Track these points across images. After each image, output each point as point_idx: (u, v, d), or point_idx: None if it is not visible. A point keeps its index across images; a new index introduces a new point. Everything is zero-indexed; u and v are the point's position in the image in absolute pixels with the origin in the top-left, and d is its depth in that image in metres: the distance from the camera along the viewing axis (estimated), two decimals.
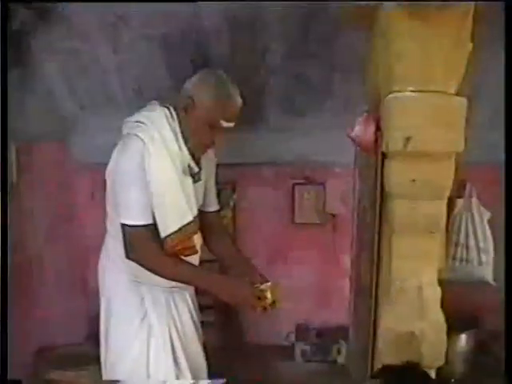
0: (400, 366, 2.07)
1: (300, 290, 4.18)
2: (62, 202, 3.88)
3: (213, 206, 2.64)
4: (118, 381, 2.46)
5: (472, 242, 3.73)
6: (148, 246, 2.22)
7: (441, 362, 2.31)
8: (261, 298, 2.26)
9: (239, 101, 2.27)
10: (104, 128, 3.65)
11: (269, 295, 2.26)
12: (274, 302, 2.28)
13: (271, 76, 3.46)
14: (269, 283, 2.32)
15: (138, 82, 3.45)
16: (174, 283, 2.35)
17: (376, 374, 1.93)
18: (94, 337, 2.73)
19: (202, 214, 2.55)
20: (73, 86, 3.53)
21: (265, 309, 2.27)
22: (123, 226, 2.20)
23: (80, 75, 3.44)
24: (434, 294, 2.33)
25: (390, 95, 2.18)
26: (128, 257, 2.22)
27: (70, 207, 3.99)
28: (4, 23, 2.64)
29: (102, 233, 2.54)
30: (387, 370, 1.93)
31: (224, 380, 2.49)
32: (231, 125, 2.27)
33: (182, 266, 2.30)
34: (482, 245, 3.74)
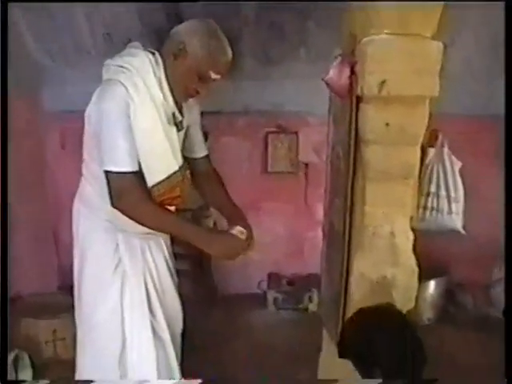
0: (376, 306, 2.09)
1: (272, 239, 4.21)
2: (33, 153, 3.81)
3: (201, 152, 2.60)
4: (92, 381, 2.45)
5: (443, 192, 3.76)
6: (134, 194, 2.15)
7: (411, 305, 2.34)
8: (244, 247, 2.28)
9: (230, 54, 2.21)
10: (74, 77, 3.59)
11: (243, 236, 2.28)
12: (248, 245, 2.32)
13: (245, 25, 3.40)
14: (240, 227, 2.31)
15: (108, 28, 3.36)
16: (149, 230, 2.30)
17: (352, 317, 1.95)
18: (66, 287, 2.71)
19: (190, 160, 2.53)
20: (44, 37, 3.43)
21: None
22: (107, 173, 2.12)
23: (50, 25, 3.34)
24: (406, 239, 2.35)
25: (366, 38, 2.14)
26: (113, 205, 2.15)
27: (40, 156, 3.93)
28: (4, 23, 2.55)
29: (75, 183, 2.49)
30: (363, 312, 1.95)
31: (200, 380, 2.54)
32: (219, 77, 2.21)
33: (167, 216, 2.25)
34: (452, 194, 3.77)
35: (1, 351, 2.44)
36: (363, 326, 1.91)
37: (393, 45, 2.11)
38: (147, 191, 2.21)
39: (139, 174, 2.17)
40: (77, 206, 2.48)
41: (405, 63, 2.10)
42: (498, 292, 4.20)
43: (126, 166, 2.12)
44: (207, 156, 2.65)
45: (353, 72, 2.24)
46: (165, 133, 2.22)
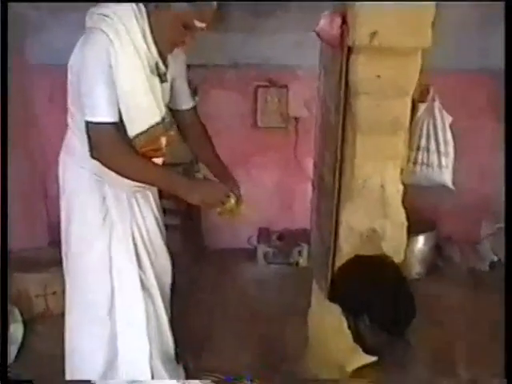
0: (372, 256, 2.10)
1: (262, 194, 4.20)
2: (20, 106, 3.75)
3: (187, 104, 2.57)
4: (89, 381, 2.46)
5: (433, 146, 3.74)
6: (114, 145, 2.13)
7: (400, 258, 2.35)
8: (224, 202, 2.27)
9: (214, 3, 2.16)
10: (60, 28, 3.52)
11: (231, 202, 2.28)
12: (234, 212, 2.33)
13: None
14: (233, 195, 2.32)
15: None
16: (135, 183, 2.30)
17: (347, 263, 1.96)
18: (56, 242, 2.70)
19: (177, 112, 2.52)
20: None
21: (220, 214, 2.31)
22: (88, 123, 2.10)
23: None
24: (396, 192, 2.35)
25: None
26: (92, 155, 2.14)
27: (26, 110, 3.87)
28: (4, 23, 2.47)
29: (63, 137, 2.46)
30: (359, 259, 1.96)
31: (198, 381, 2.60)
32: (204, 26, 2.16)
33: (148, 167, 2.24)
34: (442, 149, 3.76)
35: (1, 351, 2.44)
36: (358, 272, 1.93)
37: None
38: (126, 142, 2.19)
39: (119, 125, 2.15)
40: (63, 157, 2.45)
41: (397, 14, 2.06)
42: (486, 247, 4.25)
43: (105, 117, 2.09)
44: (194, 108, 2.62)
45: (344, 22, 2.20)
46: (148, 82, 2.19)
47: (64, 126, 2.40)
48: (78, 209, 2.40)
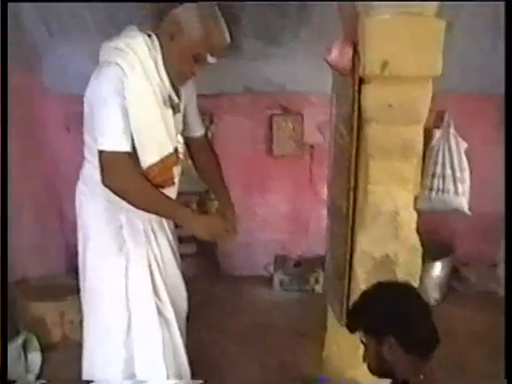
0: (394, 281, 2.11)
1: (278, 221, 4.23)
2: (35, 134, 3.81)
3: (198, 131, 2.63)
4: (92, 381, 2.49)
5: (449, 172, 3.77)
6: (125, 173, 2.18)
7: (415, 284, 2.35)
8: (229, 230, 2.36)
9: (227, 37, 2.22)
10: (75, 56, 3.58)
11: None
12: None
13: (246, 2, 3.38)
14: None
15: (110, 8, 3.35)
16: None
17: (370, 289, 1.96)
18: (73, 269, 2.73)
19: (188, 139, 2.56)
20: (43, 13, 3.41)
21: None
22: (100, 152, 2.15)
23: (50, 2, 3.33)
24: (409, 217, 2.36)
25: (368, 18, 2.14)
26: (104, 183, 2.19)
27: (42, 138, 3.93)
28: (4, 23, 2.54)
29: (78, 165, 2.50)
30: (381, 285, 1.96)
31: (201, 381, 2.59)
32: (215, 60, 2.22)
33: (155, 197, 2.27)
34: (458, 174, 3.78)
35: (1, 351, 2.46)
36: (383, 296, 1.92)
37: (394, 24, 2.11)
38: (136, 171, 2.23)
39: (131, 154, 2.19)
40: (80, 186, 2.50)
41: (407, 43, 2.11)
42: (504, 270, 4.21)
43: (117, 146, 2.14)
44: (204, 135, 2.68)
45: (355, 51, 2.23)
46: (160, 114, 2.24)
47: (80, 153, 2.44)
48: (95, 237, 2.44)
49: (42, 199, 3.87)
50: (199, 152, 2.65)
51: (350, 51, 2.25)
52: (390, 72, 2.12)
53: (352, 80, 2.28)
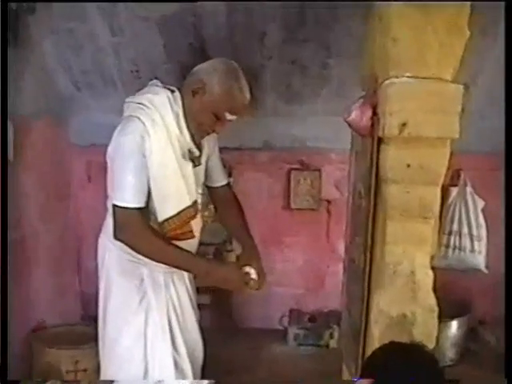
0: (408, 343, 2.09)
1: (294, 275, 4.24)
2: (58, 183, 3.88)
3: (221, 181, 2.65)
4: (112, 381, 2.49)
5: (465, 230, 3.77)
6: (136, 228, 2.22)
7: (431, 345, 2.33)
8: (247, 282, 2.31)
9: (248, 96, 2.26)
10: (101, 109, 3.68)
11: (253, 277, 2.31)
12: (260, 284, 2.35)
13: (267, 60, 3.46)
14: (252, 268, 2.34)
15: (135, 64, 3.45)
16: None
17: (380, 350, 1.94)
18: (88, 317, 2.75)
19: (211, 189, 2.61)
20: (70, 67, 3.52)
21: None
22: (114, 206, 2.21)
23: (77, 56, 3.43)
24: (426, 277, 2.35)
25: (387, 81, 2.19)
26: (115, 237, 2.24)
27: (65, 188, 4.00)
28: (4, 23, 2.64)
29: (97, 214, 2.55)
30: (392, 346, 1.95)
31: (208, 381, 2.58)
32: (234, 118, 2.27)
33: (168, 249, 2.28)
34: (475, 233, 3.78)
35: (1, 351, 2.48)
36: (393, 357, 1.90)
37: (413, 88, 2.15)
38: (149, 225, 2.26)
39: (144, 210, 2.23)
40: (102, 239, 2.54)
41: (425, 105, 2.14)
42: None
43: (130, 203, 2.19)
44: (227, 184, 2.70)
45: (374, 113, 2.28)
46: (179, 168, 2.27)
47: (100, 204, 2.48)
48: (116, 290, 2.46)
49: (60, 247, 3.91)
50: (222, 201, 2.67)
51: (369, 112, 2.30)
52: (409, 133, 2.15)
53: (371, 140, 2.32)
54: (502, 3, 2.33)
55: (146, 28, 3.19)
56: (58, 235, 3.90)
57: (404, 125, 2.13)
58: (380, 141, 2.28)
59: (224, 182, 2.68)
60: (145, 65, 3.45)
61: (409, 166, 2.21)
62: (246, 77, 2.28)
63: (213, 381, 2.63)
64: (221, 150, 2.68)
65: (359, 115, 2.31)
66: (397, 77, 2.17)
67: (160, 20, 3.13)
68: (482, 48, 3.09)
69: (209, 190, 2.64)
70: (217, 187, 2.65)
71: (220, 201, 2.67)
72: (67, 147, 3.93)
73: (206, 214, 2.70)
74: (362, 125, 2.31)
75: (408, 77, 2.16)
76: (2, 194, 2.75)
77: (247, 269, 2.32)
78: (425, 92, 2.15)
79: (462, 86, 2.16)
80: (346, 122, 2.38)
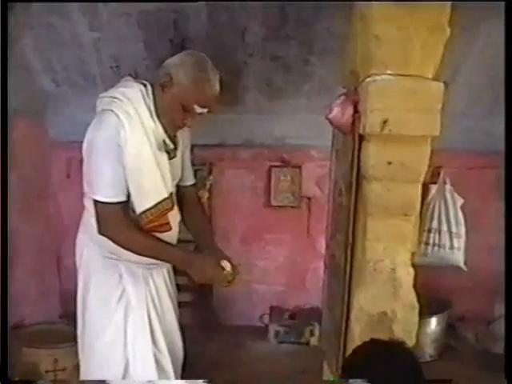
0: (388, 340, 2.10)
1: (274, 272, 4.24)
2: (38, 180, 3.85)
3: (188, 181, 2.64)
4: (104, 381, 2.45)
5: (445, 227, 3.79)
6: (118, 223, 2.23)
7: (412, 341, 2.35)
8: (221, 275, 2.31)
9: (217, 88, 2.25)
10: (81, 106, 3.63)
11: (228, 269, 2.31)
12: (233, 279, 2.34)
13: (249, 57, 3.45)
14: (227, 262, 2.34)
15: (116, 60, 3.43)
16: (151, 260, 2.35)
17: (361, 348, 1.95)
18: (68, 315, 2.72)
19: (179, 188, 2.57)
20: (50, 63, 3.49)
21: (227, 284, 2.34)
22: (95, 201, 2.21)
23: (57, 52, 3.40)
24: (407, 275, 2.36)
25: (368, 78, 2.19)
26: (99, 232, 2.24)
27: (45, 185, 3.96)
28: (4, 22, 2.61)
29: (78, 211, 2.52)
30: (372, 344, 1.95)
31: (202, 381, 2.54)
32: (204, 111, 2.26)
33: (149, 242, 2.30)
34: (454, 230, 3.80)
35: (1, 352, 2.45)
36: (373, 355, 1.91)
37: (394, 85, 2.16)
38: (130, 218, 2.27)
39: (125, 203, 2.23)
40: (80, 236, 2.53)
41: (406, 103, 2.15)
42: (500, 327, 4.18)
43: (111, 197, 2.19)
44: (194, 185, 2.70)
45: (356, 110, 2.28)
46: (155, 160, 2.26)
47: (80, 201, 2.46)
48: (95, 287, 2.44)
49: (40, 245, 3.88)
50: (188, 201, 2.65)
51: (350, 109, 2.30)
52: (390, 131, 2.16)
53: (352, 137, 2.32)
54: (501, 3, 2.35)
55: (127, 24, 3.16)
56: (39, 233, 3.87)
57: (385, 122, 2.14)
58: (361, 138, 2.28)
59: (192, 182, 2.68)
60: (125, 61, 3.43)
61: (390, 163, 2.21)
62: (221, 70, 2.27)
63: (206, 380, 2.61)
64: (202, 146, 2.68)
65: (340, 112, 2.31)
66: (378, 74, 2.18)
67: (140, 16, 3.11)
68: (462, 46, 3.11)
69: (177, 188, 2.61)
70: (185, 186, 2.63)
71: (185, 200, 2.64)
72: (47, 144, 3.89)
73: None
74: (343, 122, 2.31)
75: (389, 74, 2.17)
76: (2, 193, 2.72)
77: (224, 262, 2.31)
78: (406, 89, 2.16)
79: (442, 84, 2.17)
80: (327, 119, 2.37)
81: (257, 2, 2.99)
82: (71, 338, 2.80)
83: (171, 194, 2.38)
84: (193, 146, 2.63)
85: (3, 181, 2.82)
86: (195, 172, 2.68)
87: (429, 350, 3.94)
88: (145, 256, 2.33)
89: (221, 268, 2.30)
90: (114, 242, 2.25)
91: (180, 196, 2.59)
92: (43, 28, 3.20)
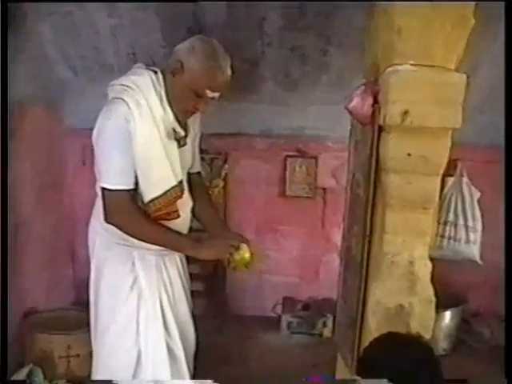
0: (406, 333, 2.09)
1: (288, 263, 4.23)
2: (53, 168, 3.86)
3: (195, 168, 2.64)
4: (110, 381, 2.46)
5: (461, 221, 3.77)
6: (126, 210, 2.24)
7: (428, 335, 2.33)
8: (232, 254, 2.33)
9: (228, 72, 2.24)
10: (97, 94, 3.63)
11: (241, 253, 2.33)
12: (248, 263, 2.35)
13: (267, 47, 3.43)
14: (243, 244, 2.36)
15: (133, 48, 3.41)
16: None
17: (379, 340, 1.94)
18: (81, 302, 2.73)
19: (188, 175, 2.58)
20: (67, 51, 3.48)
21: (235, 267, 2.36)
22: (103, 189, 2.23)
23: (74, 40, 3.39)
24: (424, 269, 2.34)
25: (390, 68, 2.17)
26: (105, 220, 2.25)
27: (60, 173, 3.97)
28: (4, 22, 2.60)
29: (92, 199, 2.52)
30: (389, 337, 1.94)
31: (211, 381, 2.54)
32: (216, 95, 2.26)
33: (156, 229, 2.32)
34: (470, 224, 3.78)
35: (1, 352, 2.46)
36: (392, 347, 1.90)
37: (416, 76, 2.13)
38: (138, 207, 2.28)
39: (132, 191, 2.24)
40: (93, 223, 2.53)
41: (428, 94, 2.12)
42: None
43: (119, 184, 2.21)
44: (199, 172, 2.70)
45: (376, 101, 2.25)
46: (164, 148, 2.26)
47: (94, 190, 2.46)
48: (107, 274, 2.46)
49: (55, 233, 3.89)
50: (196, 188, 2.64)
51: (370, 100, 2.27)
52: (410, 122, 2.13)
53: (371, 129, 2.30)
54: (502, 3, 2.32)
55: (144, 12, 3.14)
56: (53, 221, 3.88)
57: (406, 113, 2.11)
58: (380, 129, 2.26)
59: (199, 169, 2.69)
60: (142, 49, 3.41)
61: (409, 155, 2.19)
62: (238, 59, 2.30)
63: (215, 376, 2.62)
64: (217, 135, 2.66)
65: (360, 102, 2.28)
66: (399, 64, 2.15)
67: (158, 4, 3.09)
68: (483, 41, 3.07)
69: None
70: (192, 173, 2.63)
71: (191, 187, 2.62)
72: (62, 132, 3.89)
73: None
74: (362, 112, 2.28)
75: (411, 65, 2.14)
76: (1, 182, 2.73)
77: (242, 245, 2.33)
78: (428, 80, 2.13)
79: (465, 76, 2.14)
80: (347, 109, 2.35)
81: None
82: (84, 325, 2.81)
83: (181, 182, 2.37)
84: (208, 135, 2.62)
85: (3, 172, 2.81)
86: (211, 161, 2.68)
87: (442, 344, 3.92)
88: (152, 243, 2.34)
89: (232, 247, 2.32)
90: (120, 229, 2.27)
91: (189, 183, 2.60)
92: (60, 16, 3.18)
